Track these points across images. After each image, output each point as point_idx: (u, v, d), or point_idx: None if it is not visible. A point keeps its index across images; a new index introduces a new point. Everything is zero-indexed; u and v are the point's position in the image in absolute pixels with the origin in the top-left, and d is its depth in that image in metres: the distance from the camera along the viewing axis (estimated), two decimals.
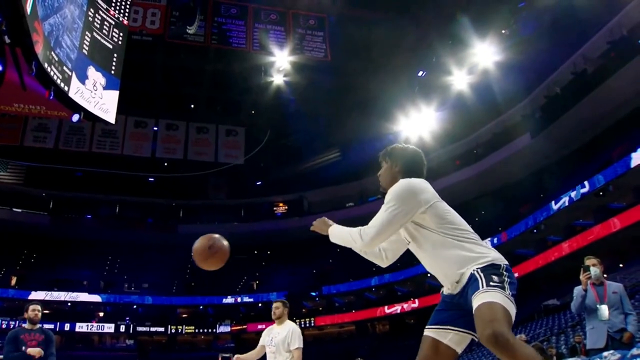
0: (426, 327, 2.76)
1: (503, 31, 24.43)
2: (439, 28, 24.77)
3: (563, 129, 25.11)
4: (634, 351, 4.98)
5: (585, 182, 21.61)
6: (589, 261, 5.57)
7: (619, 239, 21.00)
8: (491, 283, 2.46)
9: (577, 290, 5.54)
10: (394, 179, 2.84)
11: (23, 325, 5.88)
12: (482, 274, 2.49)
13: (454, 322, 2.66)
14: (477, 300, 2.42)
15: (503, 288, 2.45)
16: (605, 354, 5.05)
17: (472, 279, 2.53)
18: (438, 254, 2.66)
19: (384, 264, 3.04)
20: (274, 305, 5.77)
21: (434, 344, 2.68)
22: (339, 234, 2.87)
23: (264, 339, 5.74)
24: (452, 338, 2.66)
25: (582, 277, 5.50)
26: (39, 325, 5.84)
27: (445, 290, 2.75)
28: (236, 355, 5.44)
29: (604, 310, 5.33)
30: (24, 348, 5.54)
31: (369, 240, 2.70)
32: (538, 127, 26.96)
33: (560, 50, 25.19)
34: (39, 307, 5.89)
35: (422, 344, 2.71)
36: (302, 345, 5.52)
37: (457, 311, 2.64)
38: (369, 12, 24.63)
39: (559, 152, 26.48)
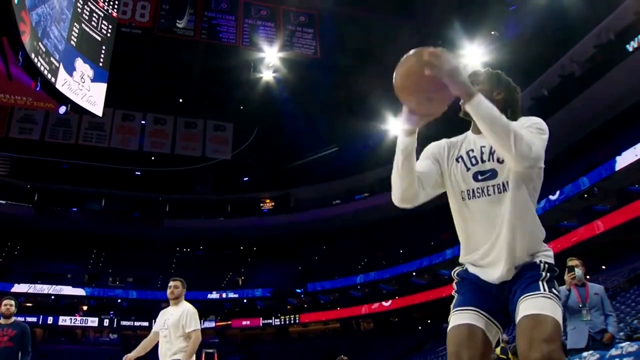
0: (462, 309, 2.04)
1: (492, 32, 24.59)
2: (429, 28, 24.84)
3: (549, 132, 25.25)
4: (613, 352, 5.06)
5: (570, 185, 21.83)
6: (572, 262, 5.64)
7: (602, 241, 21.25)
8: (554, 290, 1.94)
9: (561, 291, 5.60)
10: None
11: None
12: (548, 274, 1.98)
13: (497, 316, 2.05)
14: (535, 304, 1.88)
15: (560, 300, 1.95)
16: (584, 354, 5.12)
17: (534, 269, 1.99)
18: (521, 221, 2.06)
19: (417, 199, 2.20)
20: (172, 284, 5.16)
21: (482, 336, 2.00)
22: (488, 110, 1.99)
23: (157, 324, 5.18)
24: (495, 335, 2.05)
25: (567, 277, 5.57)
26: (13, 319, 5.75)
27: (488, 277, 2.05)
28: (125, 356, 4.84)
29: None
30: None
31: (527, 155, 2.03)
32: None
33: (548, 52, 25.38)
34: (11, 302, 5.81)
35: (464, 334, 1.99)
36: (199, 327, 4.99)
37: (497, 305, 2.05)
38: (359, 10, 24.65)
39: (545, 155, 26.63)
